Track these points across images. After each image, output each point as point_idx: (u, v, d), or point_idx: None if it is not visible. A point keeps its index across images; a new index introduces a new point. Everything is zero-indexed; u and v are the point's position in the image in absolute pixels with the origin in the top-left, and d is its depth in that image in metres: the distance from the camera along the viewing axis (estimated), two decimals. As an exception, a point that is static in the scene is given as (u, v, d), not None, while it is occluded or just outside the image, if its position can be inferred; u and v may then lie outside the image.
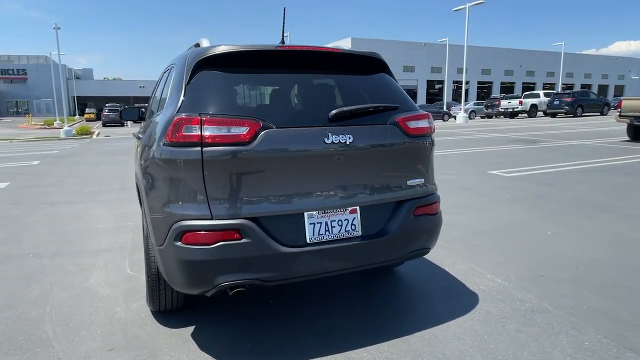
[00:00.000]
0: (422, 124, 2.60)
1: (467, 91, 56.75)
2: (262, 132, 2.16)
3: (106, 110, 35.04)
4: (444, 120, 30.47)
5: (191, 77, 2.33)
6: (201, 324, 2.69)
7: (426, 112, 2.67)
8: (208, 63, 2.35)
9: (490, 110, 33.11)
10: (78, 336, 2.55)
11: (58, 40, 28.85)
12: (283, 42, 2.89)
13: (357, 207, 2.42)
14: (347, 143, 2.30)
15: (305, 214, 2.30)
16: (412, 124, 2.55)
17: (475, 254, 3.85)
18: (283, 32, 3.01)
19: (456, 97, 51.77)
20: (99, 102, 54.90)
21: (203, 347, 2.44)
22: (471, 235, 4.39)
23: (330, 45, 3.09)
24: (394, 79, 2.83)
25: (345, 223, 2.39)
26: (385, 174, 2.50)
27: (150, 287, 2.62)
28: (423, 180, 2.64)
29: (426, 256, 3.76)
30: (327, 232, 2.34)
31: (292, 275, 2.28)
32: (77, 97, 56.29)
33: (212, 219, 2.13)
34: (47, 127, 31.85)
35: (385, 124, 2.48)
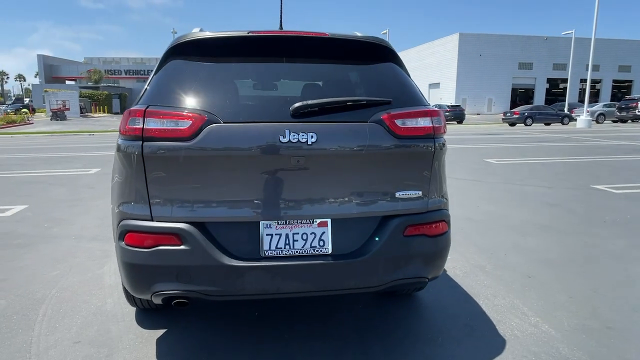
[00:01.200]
0: (419, 122, 2.08)
1: (598, 91, 49.78)
2: (207, 127, 1.89)
3: None
4: (563, 124, 26.98)
5: (160, 67, 2.16)
6: (172, 328, 2.53)
7: (430, 109, 2.14)
8: (177, 52, 2.15)
9: (624, 114, 28.42)
10: (59, 324, 2.57)
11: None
12: (281, 27, 2.59)
13: (328, 220, 2.03)
14: (310, 143, 1.91)
15: (262, 223, 1.98)
16: (403, 123, 2.04)
17: (527, 288, 3.12)
18: (281, 17, 2.70)
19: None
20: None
21: (160, 354, 2.27)
22: (532, 263, 3.60)
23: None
24: (404, 70, 2.34)
25: (311, 237, 2.01)
26: (365, 182, 2.05)
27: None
28: (420, 192, 2.12)
29: (460, 281, 3.18)
30: (287, 246, 1.99)
31: (238, 292, 1.98)
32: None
33: (151, 220, 1.93)
34: None
35: (365, 121, 2.03)
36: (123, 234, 1.95)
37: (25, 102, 54.35)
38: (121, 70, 67.13)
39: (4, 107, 47.12)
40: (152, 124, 1.89)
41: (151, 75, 2.23)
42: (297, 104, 1.94)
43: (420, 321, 2.67)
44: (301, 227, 2.00)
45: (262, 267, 1.94)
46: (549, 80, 49.82)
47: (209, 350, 2.32)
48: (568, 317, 2.68)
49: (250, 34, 2.14)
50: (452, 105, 31.16)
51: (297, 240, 2.00)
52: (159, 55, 2.26)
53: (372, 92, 2.18)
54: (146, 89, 2.10)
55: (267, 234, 1.98)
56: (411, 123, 2.06)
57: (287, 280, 1.98)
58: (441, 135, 2.18)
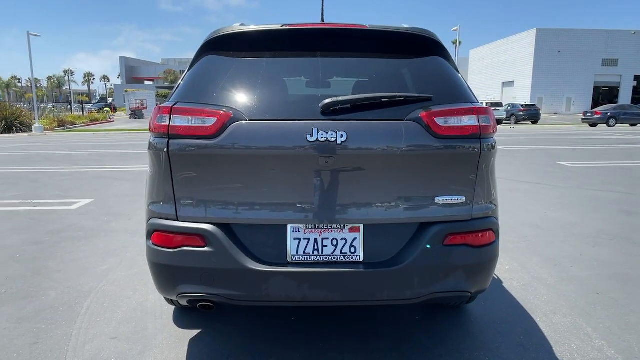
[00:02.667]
0: (463, 121, 1.86)
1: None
2: (232, 125, 1.81)
3: None
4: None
5: (194, 62, 2.13)
6: (207, 329, 2.51)
7: (477, 106, 1.91)
8: (210, 47, 2.10)
9: None
10: (100, 318, 2.65)
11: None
12: (322, 20, 2.45)
13: (361, 226, 1.88)
14: (339, 142, 1.77)
15: (289, 226, 1.87)
16: (444, 121, 1.84)
17: (594, 305, 2.76)
18: (323, 8, 2.57)
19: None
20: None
21: (190, 356, 2.25)
22: (602, 278, 3.19)
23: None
24: (452, 64, 2.13)
25: (342, 243, 1.88)
26: (401, 185, 1.87)
27: None
28: (463, 198, 1.90)
29: (517, 294, 2.89)
30: (315, 252, 1.87)
31: (262, 298, 1.89)
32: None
33: (177, 220, 1.89)
34: None
35: (401, 119, 1.84)
36: (150, 233, 1.94)
37: (108, 102, 58.89)
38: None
39: (89, 106, 51.48)
40: (178, 121, 1.85)
41: (186, 71, 2.20)
42: (326, 101, 1.81)
43: (465, 337, 2.43)
44: (331, 232, 1.87)
45: (288, 273, 1.84)
46: (637, 78, 45.07)
47: (239, 355, 2.26)
48: (642, 343, 2.31)
49: (284, 27, 2.04)
50: (526, 105, 29.26)
51: (326, 246, 1.87)
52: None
53: (413, 87, 2.00)
54: (179, 85, 2.07)
55: (294, 238, 1.87)
56: (453, 122, 1.85)
57: (314, 288, 1.86)
58: (490, 136, 1.94)
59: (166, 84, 55.39)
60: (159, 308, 2.76)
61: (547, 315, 2.65)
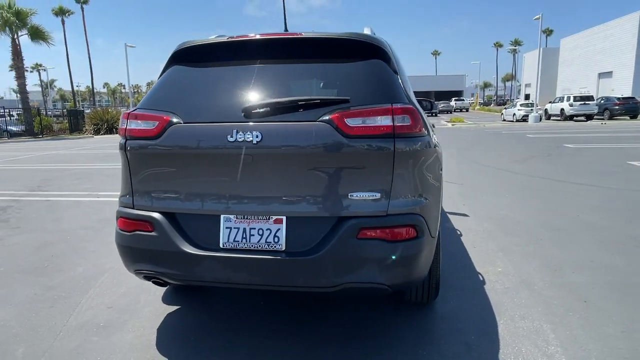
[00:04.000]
0: (376, 121, 1.95)
1: None
2: (170, 128, 2.10)
3: None
4: None
5: (162, 73, 2.45)
6: (186, 306, 2.85)
7: (395, 107, 1.98)
8: (173, 59, 2.40)
9: None
10: (107, 291, 3.11)
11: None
12: (286, 29, 2.66)
13: (284, 218, 2.06)
14: (255, 142, 1.97)
15: (222, 216, 2.12)
16: (354, 122, 1.95)
17: (573, 313, 2.63)
18: (285, 20, 2.76)
19: None
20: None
21: (164, 325, 2.60)
22: (602, 286, 2.99)
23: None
24: (392, 65, 2.22)
25: (267, 233, 2.07)
26: (317, 182, 2.01)
27: None
28: (377, 195, 1.99)
29: (494, 297, 2.85)
30: (243, 240, 2.09)
31: (197, 279, 2.16)
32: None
33: (133, 208, 2.23)
34: None
35: (314, 121, 1.98)
36: (117, 218, 2.30)
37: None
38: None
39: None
40: (133, 125, 2.18)
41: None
42: (246, 105, 2.02)
43: (412, 330, 2.48)
44: (258, 222, 2.08)
45: (218, 257, 2.08)
46: None
47: (205, 330, 2.56)
48: (602, 355, 2.19)
49: (228, 40, 2.28)
50: (623, 97, 26.15)
51: (253, 235, 2.08)
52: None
53: (340, 90, 2.13)
54: (148, 93, 2.41)
55: (226, 227, 2.11)
56: (364, 122, 1.95)
57: (239, 272, 2.08)
58: (410, 135, 2.01)
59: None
60: (155, 287, 3.16)
61: (514, 319, 2.58)
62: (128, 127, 2.19)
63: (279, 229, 2.06)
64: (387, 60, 2.23)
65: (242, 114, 2.04)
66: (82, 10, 46.82)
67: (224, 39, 2.29)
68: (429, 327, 2.54)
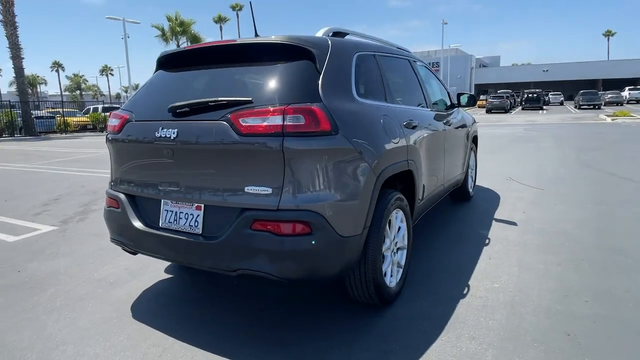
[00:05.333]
0: (266, 121, 2.04)
1: None
2: (126, 124, 2.51)
3: (490, 97, 36.05)
4: None
5: (151, 77, 2.91)
6: (179, 278, 3.31)
7: (288, 107, 2.05)
8: (158, 65, 2.83)
9: None
10: (128, 258, 3.69)
11: (441, 33, 31.81)
12: (256, 34, 2.86)
13: (202, 205, 2.31)
14: (172, 138, 2.25)
15: (162, 201, 2.46)
16: (247, 121, 2.07)
17: (525, 350, 2.29)
18: (254, 25, 2.91)
19: None
20: (499, 89, 56.39)
21: (156, 287, 3.09)
22: (591, 323, 2.49)
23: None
24: (318, 66, 2.28)
25: (190, 217, 2.35)
26: (222, 175, 2.21)
27: None
28: (269, 190, 2.08)
29: (432, 311, 2.67)
30: (175, 222, 2.40)
31: (143, 250, 2.55)
32: (477, 84, 60.22)
33: (110, 188, 2.73)
34: None
35: (217, 120, 2.16)
36: (106, 196, 2.84)
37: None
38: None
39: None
40: (110, 122, 2.67)
41: None
42: (169, 105, 2.31)
43: (348, 316, 2.48)
44: (185, 207, 2.37)
45: (158, 234, 2.44)
46: None
47: (178, 296, 2.98)
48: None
49: (181, 49, 2.61)
50: None
51: (181, 218, 2.38)
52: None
53: (260, 90, 2.27)
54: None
55: (164, 210, 2.45)
56: (256, 121, 2.07)
57: (169, 250, 2.41)
58: (303, 134, 2.06)
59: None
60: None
61: (462, 338, 2.37)
62: (108, 124, 2.69)
63: (198, 215, 2.32)
64: (313, 61, 2.28)
65: (169, 113, 2.34)
66: (237, 17, 52.76)
67: (177, 50, 2.64)
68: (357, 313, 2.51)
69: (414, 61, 3.76)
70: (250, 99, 2.16)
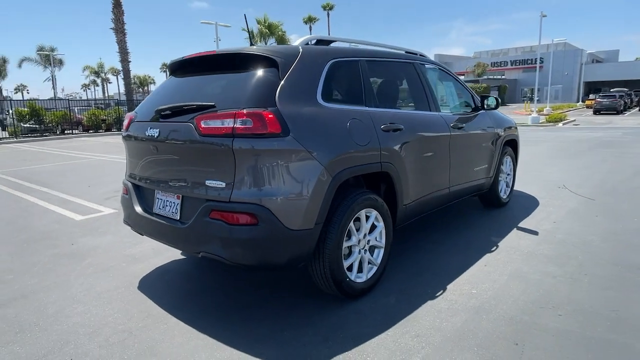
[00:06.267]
0: (220, 124, 2.35)
1: None
2: (131, 124, 2.98)
3: (598, 97, 32.04)
4: None
5: None
6: (188, 260, 3.77)
7: (240, 111, 2.33)
8: (169, 71, 3.30)
9: None
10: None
11: (539, 27, 29.09)
12: (251, 43, 3.18)
13: (181, 195, 2.69)
14: (155, 137, 2.65)
15: (156, 190, 2.90)
16: (205, 123, 2.38)
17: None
18: (249, 35, 3.20)
19: None
20: (615, 87, 50.17)
21: (165, 266, 3.59)
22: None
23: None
24: (281, 73, 2.55)
25: (173, 205, 2.75)
26: (190, 169, 2.56)
27: None
28: (223, 184, 2.39)
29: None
30: (163, 209, 2.82)
31: (141, 232, 3.00)
32: (587, 82, 54.22)
33: (125, 178, 3.24)
34: (538, 113, 32.94)
35: (186, 122, 2.50)
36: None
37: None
38: (507, 61, 67.78)
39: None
40: (124, 121, 3.18)
41: None
42: (155, 109, 2.72)
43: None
44: (170, 197, 2.78)
45: (151, 219, 2.88)
46: None
47: (184, 279, 3.43)
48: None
49: (182, 58, 3.00)
50: None
51: (167, 206, 2.79)
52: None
53: (229, 96, 2.59)
54: None
55: (157, 198, 2.89)
56: (212, 124, 2.38)
57: (157, 233, 2.84)
58: (251, 136, 2.32)
59: (471, 78, 55.93)
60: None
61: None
62: (123, 123, 3.21)
63: (178, 204, 2.71)
64: (277, 69, 2.54)
65: (156, 115, 2.76)
66: (328, 16, 53.80)
67: (176, 59, 3.04)
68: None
69: (421, 64, 3.79)
70: (213, 104, 2.49)
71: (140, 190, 3.06)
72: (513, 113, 36.90)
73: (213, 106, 2.49)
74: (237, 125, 2.33)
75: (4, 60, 45.11)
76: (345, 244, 2.76)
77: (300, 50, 2.74)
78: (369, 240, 2.96)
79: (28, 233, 4.67)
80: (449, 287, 3.06)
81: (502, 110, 5.30)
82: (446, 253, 3.71)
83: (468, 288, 3.03)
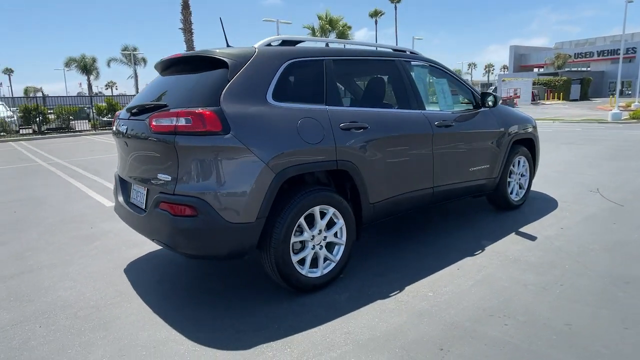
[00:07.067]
0: (165, 122, 2.55)
1: None
2: (116, 120, 3.28)
3: None
4: None
5: None
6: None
7: (181, 111, 2.52)
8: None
9: None
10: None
11: (624, 12, 26.18)
12: (227, 45, 3.35)
13: (146, 187, 2.95)
14: (124, 133, 2.92)
15: (132, 182, 3.19)
16: (156, 122, 2.60)
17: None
18: (225, 37, 3.35)
19: None
20: None
21: (161, 252, 3.92)
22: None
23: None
24: (229, 74, 2.70)
25: (141, 196, 3.02)
26: (148, 164, 2.79)
27: None
28: (169, 177, 2.59)
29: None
30: (136, 199, 3.11)
31: (122, 219, 3.30)
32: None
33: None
34: (624, 109, 29.78)
35: (143, 120, 2.73)
36: None
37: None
38: (593, 52, 61.94)
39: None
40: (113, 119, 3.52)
41: None
42: (126, 107, 2.98)
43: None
44: (140, 188, 3.05)
45: (127, 208, 3.18)
46: None
47: (169, 265, 3.73)
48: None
49: (160, 60, 3.25)
50: None
51: (138, 196, 3.07)
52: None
53: (185, 96, 2.78)
54: None
55: (133, 189, 3.18)
56: (159, 122, 2.59)
57: (129, 219, 3.12)
58: (191, 133, 2.50)
59: (550, 70, 51.71)
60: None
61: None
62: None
63: (144, 194, 2.97)
64: (227, 70, 2.69)
65: (128, 114, 3.03)
66: (395, 9, 52.88)
67: (158, 61, 3.29)
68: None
69: (406, 62, 3.72)
70: (166, 103, 2.70)
71: (123, 182, 3.38)
72: (596, 108, 33.84)
73: (166, 106, 2.70)
74: (179, 123, 2.52)
75: (94, 60, 49.85)
76: (296, 239, 2.85)
77: (256, 51, 2.87)
78: (325, 237, 3.02)
79: (62, 216, 5.29)
80: (407, 288, 3.04)
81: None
82: (426, 254, 3.65)
83: (426, 290, 2.98)
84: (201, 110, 2.52)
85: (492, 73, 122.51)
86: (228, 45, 3.32)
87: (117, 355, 2.34)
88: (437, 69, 4.10)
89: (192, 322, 2.67)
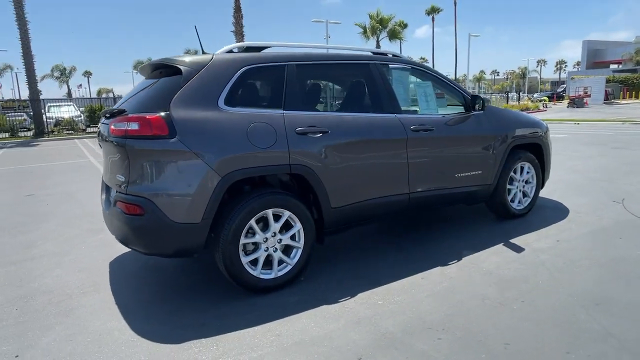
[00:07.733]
0: (120, 126, 2.76)
1: None
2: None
3: None
4: None
5: None
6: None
7: (132, 116, 2.72)
8: None
9: None
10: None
11: None
12: (203, 52, 3.51)
13: (112, 187, 3.17)
14: (104, 133, 3.15)
15: (110, 187, 3.44)
16: (114, 126, 2.81)
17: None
18: (200, 44, 3.49)
19: None
20: None
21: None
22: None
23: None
24: (183, 81, 2.85)
25: (112, 195, 3.25)
26: (114, 165, 3.00)
27: None
28: (123, 178, 2.79)
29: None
30: (110, 197, 3.35)
31: (104, 219, 3.57)
32: None
33: None
34: None
35: (107, 124, 2.94)
36: None
37: (558, 91, 57.54)
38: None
39: (536, 95, 52.59)
40: None
41: None
42: (104, 110, 3.22)
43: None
44: (114, 191, 3.29)
45: (107, 209, 3.44)
46: None
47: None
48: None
49: (141, 65, 3.47)
50: None
51: (111, 196, 3.31)
52: None
53: (137, 102, 2.99)
54: None
55: (111, 191, 3.43)
56: (116, 127, 2.80)
57: (105, 216, 3.37)
58: (138, 137, 2.68)
59: (629, 67, 47.22)
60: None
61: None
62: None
63: (113, 194, 3.20)
64: (180, 77, 2.85)
65: (103, 117, 3.27)
66: (455, 5, 51.07)
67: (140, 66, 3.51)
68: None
69: (382, 65, 3.66)
70: (124, 109, 2.90)
71: (106, 186, 3.65)
72: (675, 109, 30.55)
73: (124, 111, 2.90)
74: (129, 127, 2.72)
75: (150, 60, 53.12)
76: (248, 240, 2.94)
77: (212, 58, 2.99)
78: (280, 239, 3.07)
79: (83, 209, 5.77)
80: (360, 295, 3.01)
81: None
82: (399, 262, 3.58)
83: (377, 299, 2.95)
84: (149, 116, 2.69)
85: (564, 70, 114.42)
86: (203, 52, 3.48)
87: (65, 340, 2.57)
88: (420, 72, 3.99)
89: (144, 315, 2.85)
